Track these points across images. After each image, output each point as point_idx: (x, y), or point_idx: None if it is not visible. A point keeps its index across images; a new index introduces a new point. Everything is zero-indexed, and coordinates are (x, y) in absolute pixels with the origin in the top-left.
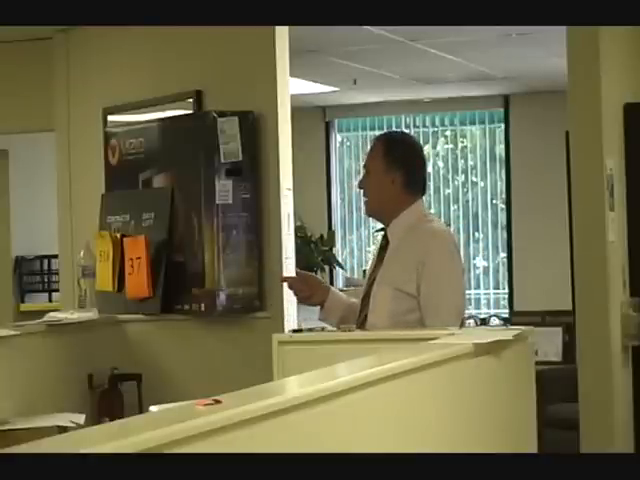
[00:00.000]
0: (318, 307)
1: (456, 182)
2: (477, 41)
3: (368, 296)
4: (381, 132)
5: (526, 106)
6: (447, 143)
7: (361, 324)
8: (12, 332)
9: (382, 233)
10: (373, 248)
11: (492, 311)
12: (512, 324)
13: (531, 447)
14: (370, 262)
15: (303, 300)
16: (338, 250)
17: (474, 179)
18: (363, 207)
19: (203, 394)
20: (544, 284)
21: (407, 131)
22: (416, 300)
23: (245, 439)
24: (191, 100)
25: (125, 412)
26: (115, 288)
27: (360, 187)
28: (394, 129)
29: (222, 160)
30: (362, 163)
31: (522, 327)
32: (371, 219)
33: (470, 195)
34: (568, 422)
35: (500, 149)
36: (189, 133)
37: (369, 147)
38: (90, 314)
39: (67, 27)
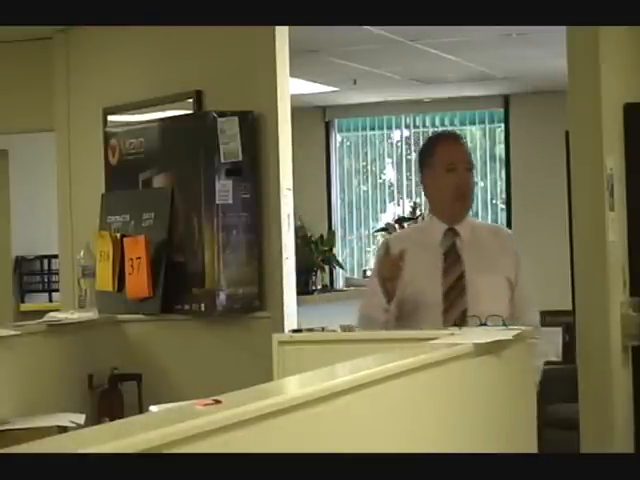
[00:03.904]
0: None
1: None
2: (477, 41)
3: (459, 290)
4: (381, 132)
5: (526, 106)
6: None
7: (461, 319)
8: (12, 332)
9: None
10: (375, 247)
11: None
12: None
13: (531, 447)
14: (416, 262)
15: (388, 280)
16: (338, 250)
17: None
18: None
19: (203, 394)
20: (544, 284)
21: (407, 131)
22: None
23: (245, 439)
24: (191, 100)
25: (125, 412)
26: (115, 288)
27: (470, 188)
28: (396, 128)
29: (222, 160)
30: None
31: (522, 327)
32: (370, 219)
33: None
34: (568, 422)
35: (500, 149)
36: (189, 133)
37: (461, 144)
38: (90, 314)
39: (67, 27)
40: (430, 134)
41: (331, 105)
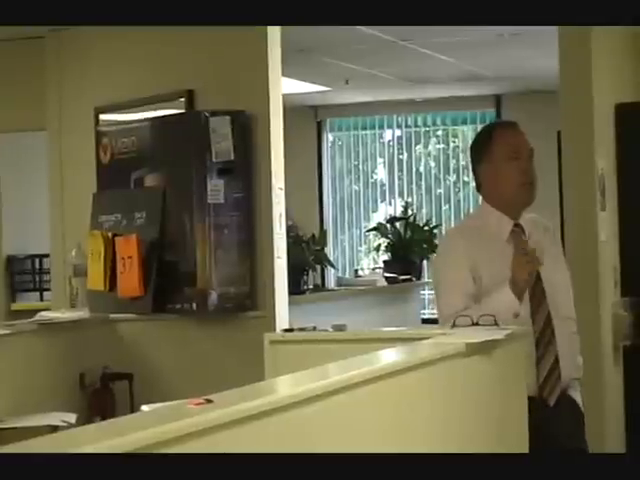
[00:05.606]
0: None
1: (447, 182)
2: (469, 41)
3: (539, 291)
4: (373, 131)
5: (518, 106)
6: (439, 143)
7: (547, 323)
8: (3, 331)
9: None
10: (366, 247)
11: None
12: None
13: (522, 447)
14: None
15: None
16: (330, 250)
17: (465, 179)
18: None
19: (195, 393)
20: None
21: (399, 131)
22: None
23: (237, 439)
24: (183, 99)
25: (116, 411)
26: (106, 287)
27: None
28: (388, 128)
29: (214, 159)
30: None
31: (515, 327)
32: (362, 219)
33: (461, 195)
34: None
35: None
36: (181, 132)
37: (519, 130)
38: (81, 313)
39: (59, 27)
40: (422, 134)
41: (323, 105)
